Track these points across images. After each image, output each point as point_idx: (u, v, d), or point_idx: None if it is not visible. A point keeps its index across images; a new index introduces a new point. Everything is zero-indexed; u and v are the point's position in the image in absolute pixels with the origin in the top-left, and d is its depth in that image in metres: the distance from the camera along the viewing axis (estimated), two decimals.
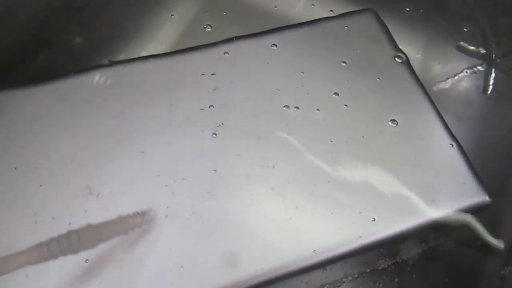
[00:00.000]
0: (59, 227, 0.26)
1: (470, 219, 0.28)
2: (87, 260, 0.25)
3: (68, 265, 0.24)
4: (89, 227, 0.23)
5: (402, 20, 0.39)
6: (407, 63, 0.33)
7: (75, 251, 0.22)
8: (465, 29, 0.39)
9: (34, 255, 0.20)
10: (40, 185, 0.27)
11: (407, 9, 0.39)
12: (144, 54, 0.33)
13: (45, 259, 0.21)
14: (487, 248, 0.28)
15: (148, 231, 0.26)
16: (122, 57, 0.35)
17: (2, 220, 0.25)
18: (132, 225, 0.25)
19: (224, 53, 0.33)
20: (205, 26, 0.37)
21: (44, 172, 0.27)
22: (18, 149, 0.28)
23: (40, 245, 0.21)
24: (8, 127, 0.29)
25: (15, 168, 0.27)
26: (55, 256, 0.21)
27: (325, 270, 0.28)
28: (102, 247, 0.24)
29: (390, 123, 0.30)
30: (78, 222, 0.25)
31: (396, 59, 0.33)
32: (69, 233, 0.22)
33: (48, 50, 0.35)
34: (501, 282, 0.28)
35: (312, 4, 0.39)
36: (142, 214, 0.25)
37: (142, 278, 0.25)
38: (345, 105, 0.31)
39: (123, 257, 0.25)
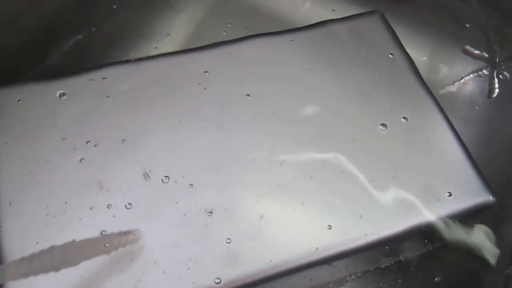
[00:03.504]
0: (69, 220, 0.26)
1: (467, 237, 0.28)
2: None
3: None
4: (72, 244, 0.22)
5: (408, 23, 0.39)
6: (413, 65, 0.34)
7: (57, 268, 0.20)
8: (470, 33, 0.39)
9: (14, 270, 0.19)
10: (52, 178, 0.27)
11: (414, 11, 0.40)
12: (153, 53, 0.34)
13: (26, 275, 0.19)
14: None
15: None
16: (131, 56, 0.35)
17: (16, 211, 0.26)
18: (115, 245, 0.23)
19: (231, 53, 0.33)
20: (213, 27, 0.37)
21: (56, 166, 0.28)
22: (31, 142, 0.28)
23: (22, 260, 0.19)
24: (21, 121, 0.29)
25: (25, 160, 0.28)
26: (35, 272, 0.20)
27: (330, 267, 0.28)
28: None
29: (396, 123, 0.31)
30: (86, 216, 0.26)
31: (403, 61, 0.34)
32: (51, 249, 0.21)
33: (58, 49, 0.36)
34: (506, 281, 0.28)
35: (318, 6, 0.39)
36: (126, 233, 0.24)
37: (150, 273, 0.25)
38: (352, 105, 0.31)
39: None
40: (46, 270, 0.20)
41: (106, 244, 0.23)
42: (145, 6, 0.39)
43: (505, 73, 0.37)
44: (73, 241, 0.22)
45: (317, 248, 0.26)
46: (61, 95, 0.30)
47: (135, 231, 0.25)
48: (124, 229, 0.25)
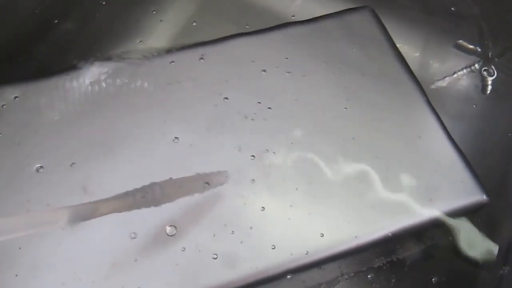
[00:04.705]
0: None
1: (464, 224, 0.28)
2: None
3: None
4: (170, 181, 0.24)
5: (400, 18, 0.38)
6: (404, 61, 0.33)
7: (157, 203, 0.22)
8: (463, 28, 0.39)
9: (120, 203, 0.21)
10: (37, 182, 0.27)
11: (405, 6, 0.39)
12: (140, 50, 0.33)
13: (129, 208, 0.22)
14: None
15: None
16: (118, 53, 0.34)
17: None
18: (211, 183, 0.26)
19: (220, 51, 0.32)
20: (202, 24, 0.37)
21: (41, 169, 0.27)
22: (15, 146, 0.28)
23: (126, 194, 0.22)
24: (5, 123, 0.29)
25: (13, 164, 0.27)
26: (138, 206, 0.22)
27: (321, 269, 0.27)
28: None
29: (387, 122, 0.30)
30: None
31: (393, 57, 0.33)
32: (152, 185, 0.23)
33: (43, 46, 0.35)
34: (499, 282, 0.27)
35: (310, 2, 0.39)
36: (217, 173, 0.26)
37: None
38: (342, 104, 0.31)
39: None
40: (147, 204, 0.22)
41: (201, 183, 0.25)
42: (134, 1, 0.38)
43: (499, 68, 0.37)
44: (171, 178, 0.24)
45: (307, 252, 0.25)
46: (46, 94, 0.30)
47: (224, 172, 0.27)
48: None
